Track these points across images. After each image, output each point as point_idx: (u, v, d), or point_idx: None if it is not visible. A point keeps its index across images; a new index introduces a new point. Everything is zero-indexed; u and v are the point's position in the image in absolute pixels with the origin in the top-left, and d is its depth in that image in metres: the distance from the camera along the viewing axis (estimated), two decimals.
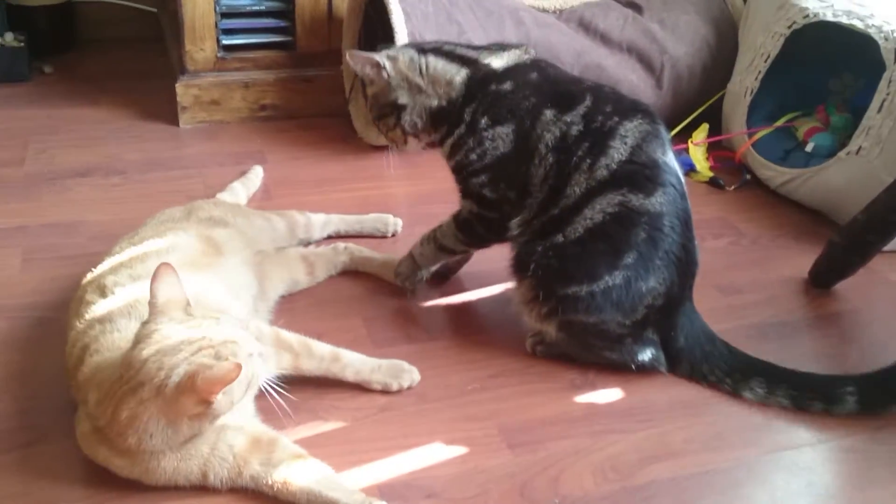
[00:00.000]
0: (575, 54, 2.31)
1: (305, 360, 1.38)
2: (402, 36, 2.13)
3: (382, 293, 1.72)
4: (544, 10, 2.44)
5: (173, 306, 1.14)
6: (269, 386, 1.19)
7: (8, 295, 1.64)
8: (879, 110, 1.90)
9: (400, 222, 1.92)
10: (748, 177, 2.26)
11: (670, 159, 1.46)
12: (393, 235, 1.91)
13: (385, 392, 1.42)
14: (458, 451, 1.33)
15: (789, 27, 2.14)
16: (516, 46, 1.59)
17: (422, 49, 1.56)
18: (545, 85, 1.50)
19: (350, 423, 1.36)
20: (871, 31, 1.95)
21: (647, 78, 2.38)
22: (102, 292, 1.32)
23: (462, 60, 1.54)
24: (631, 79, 2.36)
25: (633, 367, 1.48)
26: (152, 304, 1.13)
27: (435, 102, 1.53)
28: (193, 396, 1.07)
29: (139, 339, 1.12)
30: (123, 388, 1.10)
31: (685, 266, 1.46)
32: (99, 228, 1.88)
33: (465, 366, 1.52)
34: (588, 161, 1.42)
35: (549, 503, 1.24)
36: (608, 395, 1.47)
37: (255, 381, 1.16)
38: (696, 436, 1.39)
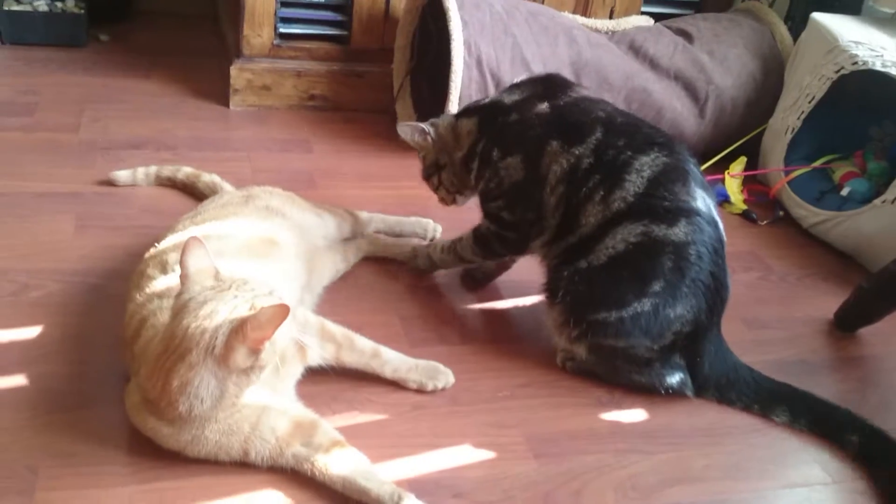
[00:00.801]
0: (624, 76, 2.35)
1: (347, 352, 1.44)
2: (458, 43, 2.18)
3: (419, 292, 1.77)
4: (598, 31, 2.48)
5: (204, 275, 1.20)
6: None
7: (62, 259, 1.69)
8: None
9: (440, 228, 1.97)
10: (781, 213, 2.30)
11: (694, 189, 1.49)
12: (431, 241, 1.95)
13: (420, 391, 1.48)
14: (486, 455, 1.38)
15: (837, 72, 2.18)
16: (544, 79, 1.67)
17: (458, 114, 1.72)
18: (553, 116, 1.56)
19: (384, 418, 1.42)
20: None
21: (691, 106, 2.42)
22: (164, 268, 1.37)
23: (478, 109, 1.68)
24: (675, 106, 2.40)
25: (662, 390, 1.53)
26: (183, 276, 1.19)
27: (461, 154, 1.68)
28: (244, 348, 1.13)
29: (177, 311, 1.17)
30: (172, 358, 1.16)
31: (714, 294, 1.50)
32: (150, 202, 1.94)
33: (496, 372, 1.57)
34: (601, 193, 1.48)
35: None
36: (633, 415, 1.52)
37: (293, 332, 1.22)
38: (716, 463, 1.43)
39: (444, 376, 1.50)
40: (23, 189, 1.92)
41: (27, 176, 1.98)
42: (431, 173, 1.75)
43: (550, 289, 1.55)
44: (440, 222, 1.99)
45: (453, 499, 1.28)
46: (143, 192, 1.97)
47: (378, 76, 2.55)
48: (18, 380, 1.38)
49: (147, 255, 1.47)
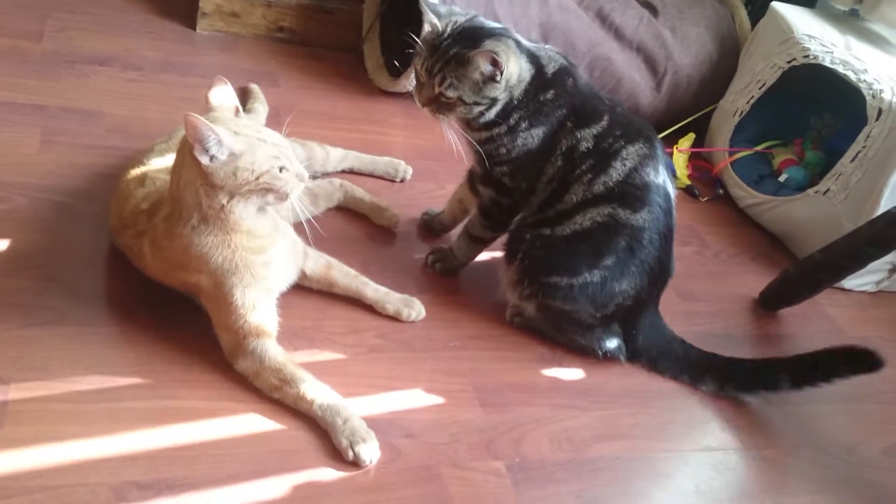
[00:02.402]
0: (589, 43, 2.42)
1: (336, 271, 1.61)
2: None
3: (378, 240, 1.84)
4: None
5: (225, 110, 1.33)
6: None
7: (28, 174, 1.70)
8: (853, 160, 2.07)
9: (410, 170, 2.05)
10: (721, 191, 2.43)
11: (662, 180, 1.60)
12: (402, 181, 2.04)
13: (395, 318, 1.61)
14: (436, 400, 1.48)
15: (789, 62, 2.29)
16: (551, 49, 1.67)
17: (519, 43, 1.56)
18: (575, 96, 1.60)
19: (343, 358, 1.50)
20: (862, 86, 2.11)
21: (649, 79, 2.51)
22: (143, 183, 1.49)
23: (532, 60, 1.56)
24: (634, 77, 2.49)
25: (599, 353, 1.65)
26: (208, 108, 1.32)
27: (506, 98, 1.54)
28: (196, 163, 1.25)
29: None
30: (175, 166, 1.34)
31: (657, 276, 1.63)
32: (116, 122, 1.94)
33: (449, 323, 1.66)
34: (589, 176, 1.56)
35: (511, 461, 1.40)
36: (571, 373, 1.64)
37: (263, 173, 1.29)
38: (642, 423, 1.57)
39: (418, 307, 1.63)
40: None
41: None
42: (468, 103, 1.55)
43: (510, 249, 1.64)
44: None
45: (405, 438, 1.38)
46: (109, 112, 1.97)
47: (347, 14, 2.56)
48: None
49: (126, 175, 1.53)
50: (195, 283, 1.37)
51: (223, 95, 1.35)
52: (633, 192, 1.56)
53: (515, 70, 1.52)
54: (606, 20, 2.51)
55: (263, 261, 1.37)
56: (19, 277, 1.46)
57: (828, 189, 2.12)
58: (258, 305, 1.37)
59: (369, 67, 2.49)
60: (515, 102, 1.54)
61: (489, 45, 1.48)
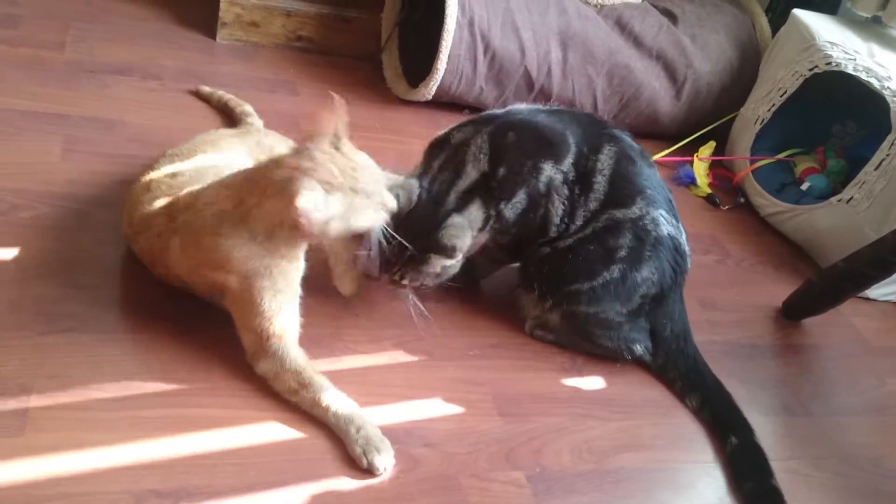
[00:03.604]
0: (608, 52, 2.41)
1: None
2: (453, 1, 2.21)
3: None
4: (588, 3, 2.52)
5: (325, 139, 1.32)
6: None
7: (50, 181, 1.71)
8: (877, 168, 2.05)
9: None
10: (742, 200, 2.41)
11: (641, 168, 1.60)
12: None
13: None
14: (455, 409, 1.47)
15: (811, 70, 2.27)
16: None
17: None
18: (532, 139, 1.59)
19: (363, 366, 1.49)
20: (885, 93, 2.09)
21: (669, 87, 2.50)
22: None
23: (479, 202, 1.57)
24: (654, 85, 2.48)
25: (628, 356, 1.64)
26: (309, 133, 1.32)
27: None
28: (291, 209, 1.23)
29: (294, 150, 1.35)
30: (261, 174, 1.34)
31: (673, 253, 1.61)
32: (136, 131, 1.95)
33: (469, 331, 1.65)
34: (582, 199, 1.57)
35: (531, 471, 1.39)
36: (592, 382, 1.62)
37: (357, 228, 1.34)
38: (664, 433, 1.55)
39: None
40: (8, 105, 1.91)
41: (12, 92, 1.96)
42: None
43: (523, 282, 1.66)
44: None
45: (424, 447, 1.37)
46: (130, 121, 1.98)
47: (366, 23, 2.56)
48: (10, 299, 1.42)
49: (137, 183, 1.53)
50: (223, 282, 1.36)
51: (326, 120, 1.33)
52: (620, 192, 1.57)
53: (468, 241, 1.54)
54: (626, 28, 2.50)
55: (296, 267, 1.38)
56: (40, 285, 1.47)
57: (851, 197, 2.10)
58: (284, 309, 1.37)
59: (388, 76, 2.49)
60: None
61: (444, 239, 1.51)
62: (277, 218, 1.29)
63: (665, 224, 1.59)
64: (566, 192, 1.57)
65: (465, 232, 1.53)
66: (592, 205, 1.57)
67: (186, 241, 1.38)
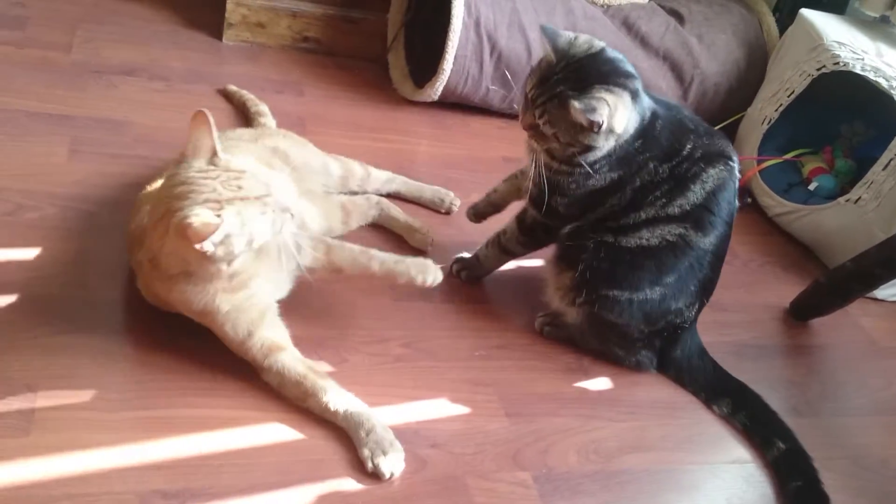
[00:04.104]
0: None
1: (337, 250, 1.47)
2: (459, 1, 2.20)
3: (405, 250, 1.82)
4: (594, 3, 2.52)
5: (200, 152, 1.26)
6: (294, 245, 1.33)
7: (57, 183, 1.71)
8: (885, 167, 2.03)
9: (458, 202, 1.97)
10: (749, 200, 2.40)
11: (732, 203, 1.56)
12: (447, 213, 1.97)
13: (409, 285, 1.47)
14: (462, 410, 1.47)
15: (819, 69, 2.26)
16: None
17: (635, 94, 1.47)
18: (661, 138, 1.52)
19: (369, 367, 1.49)
20: (894, 93, 2.07)
21: (675, 87, 2.49)
22: None
23: (641, 112, 1.49)
24: (660, 85, 2.47)
25: (631, 365, 1.64)
26: (186, 148, 1.26)
27: (608, 149, 1.47)
28: (186, 241, 1.19)
29: (167, 181, 1.26)
30: (153, 221, 1.26)
31: (705, 294, 1.61)
32: (144, 131, 1.95)
33: (474, 332, 1.65)
34: (663, 200, 1.52)
35: (537, 472, 1.38)
36: (598, 383, 1.62)
37: (256, 242, 1.26)
38: (671, 435, 1.54)
39: (434, 271, 1.48)
40: (15, 106, 1.92)
41: (19, 93, 1.97)
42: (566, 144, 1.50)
43: (568, 255, 1.58)
44: (423, 179, 2.03)
45: (430, 448, 1.37)
46: (138, 122, 1.98)
47: (372, 24, 2.56)
48: (17, 300, 1.42)
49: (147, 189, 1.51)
50: (188, 317, 1.37)
51: (202, 136, 1.26)
52: (707, 217, 1.53)
53: (621, 123, 1.43)
54: (632, 28, 2.49)
55: (246, 295, 1.34)
56: (47, 286, 1.47)
57: (859, 198, 2.09)
58: (256, 330, 1.35)
59: (394, 77, 2.49)
60: (609, 153, 1.47)
61: (596, 93, 1.39)
62: (182, 255, 1.24)
63: (717, 264, 1.58)
64: (650, 186, 1.51)
65: (619, 106, 1.40)
66: (673, 210, 1.51)
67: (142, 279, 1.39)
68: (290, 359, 1.37)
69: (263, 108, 2.07)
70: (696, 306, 1.60)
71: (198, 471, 1.23)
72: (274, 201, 1.27)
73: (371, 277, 1.48)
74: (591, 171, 1.48)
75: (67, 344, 1.37)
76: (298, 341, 1.43)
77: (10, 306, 1.41)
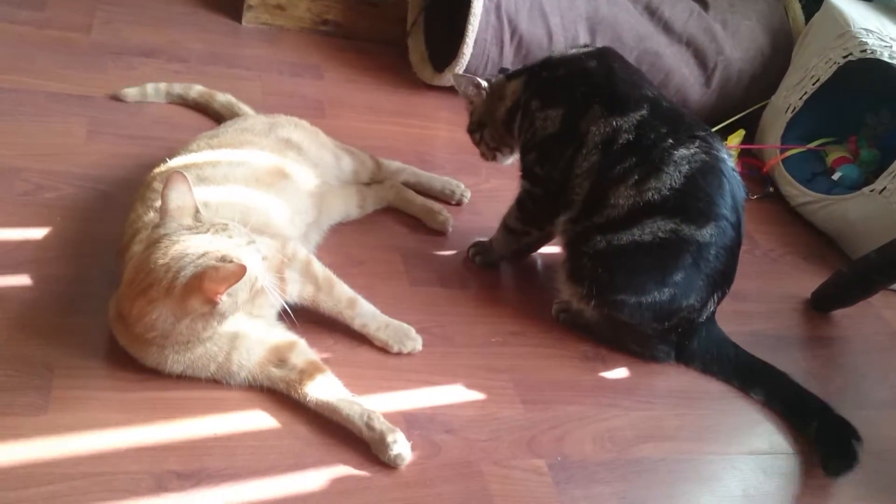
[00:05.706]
0: (637, 37, 2.38)
1: (324, 296, 1.45)
2: None
3: (421, 233, 1.82)
4: None
5: (184, 213, 1.23)
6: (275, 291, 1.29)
7: (74, 163, 1.71)
8: None
9: (469, 193, 1.96)
10: (771, 189, 2.37)
11: (726, 192, 1.51)
12: (458, 204, 1.95)
13: (383, 350, 1.48)
14: (477, 396, 1.46)
15: (845, 57, 2.22)
16: (600, 49, 1.65)
17: (509, 75, 1.71)
18: (602, 79, 1.56)
19: (383, 353, 1.48)
20: None
21: (698, 74, 2.46)
22: None
23: (527, 69, 1.69)
24: (683, 72, 2.44)
25: (648, 358, 1.63)
26: (163, 209, 1.23)
27: (504, 109, 1.68)
28: (200, 296, 1.17)
29: (150, 244, 1.21)
30: (137, 288, 1.20)
31: (721, 287, 1.58)
32: (161, 114, 1.95)
33: (490, 318, 1.64)
34: (635, 177, 1.49)
35: (553, 460, 1.37)
36: (615, 372, 1.60)
37: (258, 285, 1.25)
38: (688, 424, 1.53)
39: (412, 342, 1.49)
40: (35, 87, 1.92)
41: (39, 73, 1.97)
42: (475, 129, 1.77)
43: (574, 272, 1.57)
44: (442, 162, 2.02)
45: (445, 434, 1.36)
46: (156, 104, 1.98)
47: (392, 7, 2.55)
48: (35, 280, 1.43)
49: (156, 169, 1.50)
50: None
51: (181, 195, 1.23)
52: (694, 206, 1.49)
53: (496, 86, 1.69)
54: (655, 14, 2.46)
55: (225, 358, 1.30)
56: (65, 266, 1.47)
57: (884, 188, 2.05)
58: (241, 372, 1.32)
59: (413, 61, 2.48)
60: (519, 99, 1.64)
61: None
62: (177, 315, 1.20)
63: (726, 255, 1.54)
64: (611, 150, 1.51)
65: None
66: (651, 195, 1.48)
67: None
68: (302, 359, 1.35)
69: (228, 97, 1.97)
70: (711, 300, 1.57)
71: (212, 452, 1.23)
72: (257, 247, 1.26)
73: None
74: (524, 111, 1.63)
75: (84, 324, 1.37)
76: (313, 325, 1.43)
77: (29, 286, 1.41)
